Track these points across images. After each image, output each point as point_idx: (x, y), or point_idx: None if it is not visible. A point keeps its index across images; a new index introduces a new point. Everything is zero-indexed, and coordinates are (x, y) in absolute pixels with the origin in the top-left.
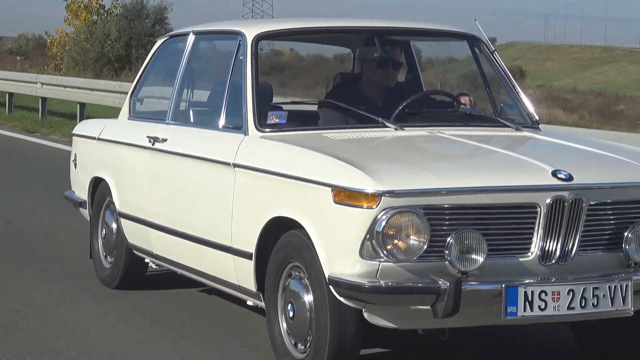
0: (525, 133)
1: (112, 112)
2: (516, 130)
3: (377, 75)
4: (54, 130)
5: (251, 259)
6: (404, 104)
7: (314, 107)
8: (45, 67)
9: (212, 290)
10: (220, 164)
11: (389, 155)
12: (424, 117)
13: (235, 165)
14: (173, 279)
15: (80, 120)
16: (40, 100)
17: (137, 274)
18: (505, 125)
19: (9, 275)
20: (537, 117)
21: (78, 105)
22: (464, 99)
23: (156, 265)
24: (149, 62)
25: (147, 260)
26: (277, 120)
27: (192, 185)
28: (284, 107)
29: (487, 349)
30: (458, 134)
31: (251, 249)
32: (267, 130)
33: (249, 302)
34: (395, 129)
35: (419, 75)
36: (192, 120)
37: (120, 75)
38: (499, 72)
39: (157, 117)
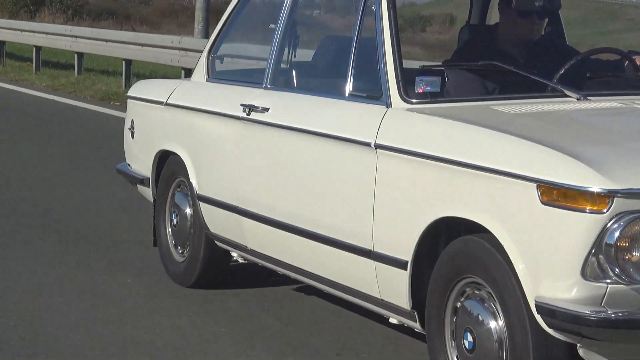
0: None
1: (66, 55)
2: None
3: (518, 26)
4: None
5: (405, 269)
6: (573, 64)
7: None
8: None
9: (310, 288)
10: (354, 144)
11: (601, 138)
12: (605, 84)
13: (378, 147)
14: (259, 273)
15: (36, 64)
16: None
17: (218, 269)
18: None
19: (60, 265)
20: None
21: (34, 49)
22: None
23: (245, 259)
24: (232, 12)
25: (234, 254)
26: (428, 88)
27: (310, 169)
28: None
29: None
30: None
31: (405, 256)
32: (415, 100)
33: (393, 320)
34: (578, 99)
35: (562, 26)
36: (299, 86)
37: (35, 16)
38: None
39: (248, 79)
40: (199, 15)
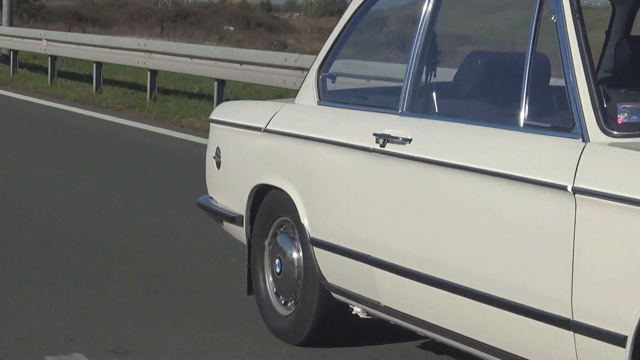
0: None
1: None
2: None
3: None
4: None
5: (623, 346)
6: None
7: None
8: None
9: (439, 345)
10: (540, 187)
11: None
12: None
13: (578, 191)
14: (379, 326)
15: None
16: None
17: (333, 324)
18: None
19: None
20: None
21: None
22: None
23: (368, 315)
24: (347, 24)
25: (357, 309)
26: (634, 117)
27: (475, 215)
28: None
29: None
30: None
31: (622, 329)
32: (617, 133)
33: None
34: None
35: None
36: (446, 112)
37: None
38: None
39: (375, 103)
40: (5, 9)
